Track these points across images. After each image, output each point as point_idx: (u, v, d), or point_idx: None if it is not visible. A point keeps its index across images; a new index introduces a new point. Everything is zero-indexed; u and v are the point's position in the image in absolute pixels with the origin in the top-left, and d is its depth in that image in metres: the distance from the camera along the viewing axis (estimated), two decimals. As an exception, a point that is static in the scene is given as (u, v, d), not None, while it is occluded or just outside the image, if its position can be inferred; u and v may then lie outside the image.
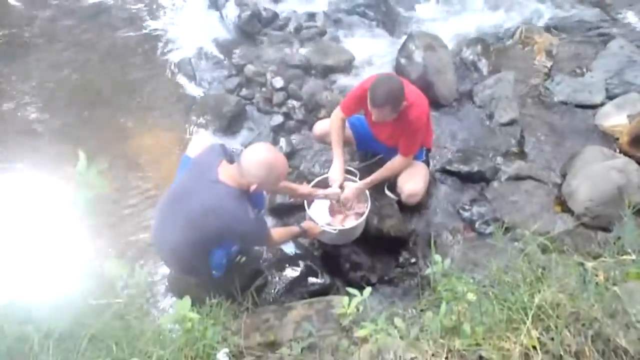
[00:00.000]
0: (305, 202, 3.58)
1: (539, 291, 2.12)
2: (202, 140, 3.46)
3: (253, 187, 2.81)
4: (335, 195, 3.58)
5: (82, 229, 3.64)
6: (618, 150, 4.35)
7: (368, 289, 2.30)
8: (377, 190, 3.86)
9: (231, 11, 5.33)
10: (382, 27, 5.47)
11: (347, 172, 3.73)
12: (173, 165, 3.63)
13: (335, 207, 3.69)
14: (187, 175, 3.03)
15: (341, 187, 3.59)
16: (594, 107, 4.79)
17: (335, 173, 3.59)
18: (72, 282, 2.42)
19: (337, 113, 3.65)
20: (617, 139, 4.48)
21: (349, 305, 2.27)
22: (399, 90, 3.24)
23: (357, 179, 3.67)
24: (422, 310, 2.51)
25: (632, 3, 5.85)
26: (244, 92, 4.79)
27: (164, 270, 3.49)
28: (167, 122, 4.58)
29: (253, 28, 5.25)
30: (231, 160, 2.92)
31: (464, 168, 4.27)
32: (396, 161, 3.63)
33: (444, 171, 4.31)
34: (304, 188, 3.57)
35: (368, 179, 3.64)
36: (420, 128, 3.47)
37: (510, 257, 2.52)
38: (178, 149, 4.27)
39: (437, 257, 2.35)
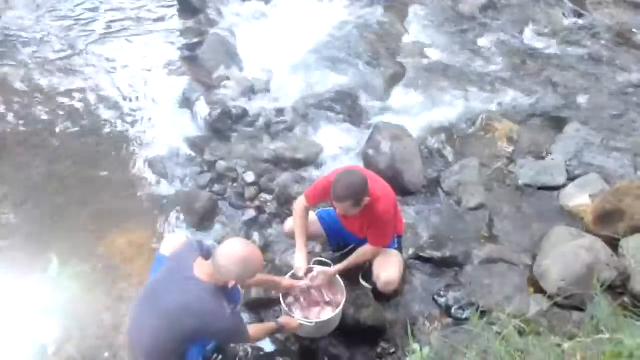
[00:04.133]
0: (281, 296, 3.55)
1: (519, 376, 2.12)
2: (175, 238, 3.46)
3: (232, 284, 2.81)
4: (305, 287, 3.59)
5: (52, 333, 3.54)
6: (584, 230, 4.45)
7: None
8: (351, 280, 3.86)
9: (202, 109, 5.45)
10: (349, 120, 5.63)
11: (321, 263, 3.74)
12: (146, 264, 3.61)
13: (312, 297, 3.67)
14: (162, 273, 3.00)
15: (307, 274, 3.59)
16: (557, 188, 4.94)
17: (299, 261, 3.57)
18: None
19: (301, 201, 3.69)
20: (582, 218, 4.60)
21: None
22: (360, 185, 3.28)
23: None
24: (404, 403, 2.47)
25: (586, 88, 6.18)
26: (216, 187, 4.83)
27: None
28: (139, 220, 4.57)
29: (224, 125, 5.36)
30: (208, 256, 2.92)
31: (437, 254, 4.32)
32: (366, 249, 3.66)
33: (417, 257, 4.34)
34: (286, 281, 3.56)
35: (339, 266, 3.66)
36: (388, 221, 3.53)
37: (488, 342, 2.52)
38: (151, 247, 4.23)
39: (416, 346, 2.34)
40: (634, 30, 7.03)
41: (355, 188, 3.27)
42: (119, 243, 4.34)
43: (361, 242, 3.75)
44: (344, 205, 3.30)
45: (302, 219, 3.68)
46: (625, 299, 3.86)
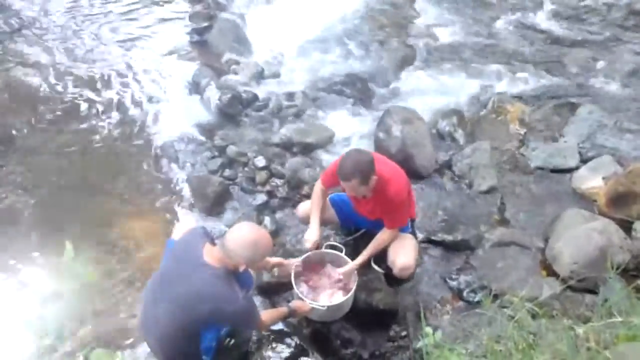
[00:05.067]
0: (293, 280, 3.56)
1: (532, 359, 2.12)
2: (187, 223, 3.47)
3: (242, 268, 2.82)
4: (298, 265, 3.58)
5: (66, 318, 3.57)
6: (597, 212, 4.42)
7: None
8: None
9: (212, 94, 5.44)
10: (359, 104, 5.62)
11: (333, 247, 3.74)
12: (158, 249, 3.62)
13: (327, 280, 3.68)
14: (171, 260, 3.02)
15: (318, 247, 3.62)
16: (569, 171, 4.91)
17: (311, 234, 3.59)
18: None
19: (318, 184, 3.73)
20: (595, 200, 4.57)
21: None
22: (366, 163, 3.27)
23: (342, 254, 3.68)
24: (416, 385, 2.48)
25: (599, 69, 6.11)
26: (227, 172, 4.84)
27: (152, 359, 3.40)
28: (151, 206, 4.59)
29: (234, 110, 5.36)
30: (213, 242, 2.93)
31: (448, 237, 4.31)
32: (384, 234, 3.64)
33: (429, 241, 4.33)
34: (274, 259, 3.56)
35: (361, 258, 3.60)
36: (402, 202, 3.51)
37: (501, 325, 2.52)
38: (163, 232, 4.25)
39: (428, 330, 2.35)
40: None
41: (361, 165, 3.25)
42: (131, 228, 4.36)
43: (372, 226, 3.75)
44: (351, 183, 3.28)
45: (319, 197, 3.71)
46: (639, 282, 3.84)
